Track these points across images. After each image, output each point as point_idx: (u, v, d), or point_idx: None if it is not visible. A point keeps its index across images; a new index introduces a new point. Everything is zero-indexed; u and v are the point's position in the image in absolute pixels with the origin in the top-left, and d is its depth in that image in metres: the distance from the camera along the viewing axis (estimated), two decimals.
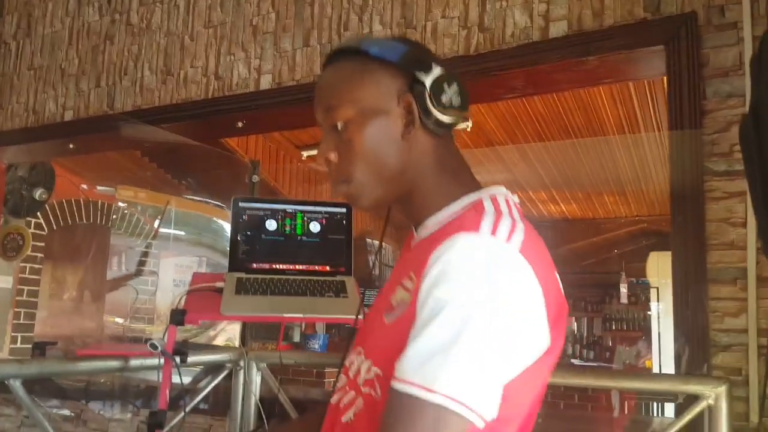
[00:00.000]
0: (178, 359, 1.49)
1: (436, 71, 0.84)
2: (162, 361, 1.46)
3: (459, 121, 0.86)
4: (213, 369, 1.95)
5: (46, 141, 3.14)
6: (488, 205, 0.79)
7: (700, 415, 1.41)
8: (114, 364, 1.61)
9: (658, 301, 5.76)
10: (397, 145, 0.84)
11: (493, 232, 0.73)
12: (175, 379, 1.50)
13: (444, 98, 0.83)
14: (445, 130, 0.86)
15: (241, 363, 1.85)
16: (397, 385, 0.70)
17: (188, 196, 4.71)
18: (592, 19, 1.89)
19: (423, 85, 0.83)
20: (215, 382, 1.87)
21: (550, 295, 0.75)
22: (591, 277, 6.23)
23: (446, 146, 0.88)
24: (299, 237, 1.66)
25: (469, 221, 0.75)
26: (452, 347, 0.68)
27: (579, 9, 1.91)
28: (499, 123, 3.51)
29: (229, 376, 1.96)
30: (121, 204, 4.93)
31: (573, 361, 6.34)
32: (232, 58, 2.54)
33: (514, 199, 0.85)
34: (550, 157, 4.12)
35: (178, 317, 1.46)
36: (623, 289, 6.02)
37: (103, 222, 4.90)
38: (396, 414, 0.69)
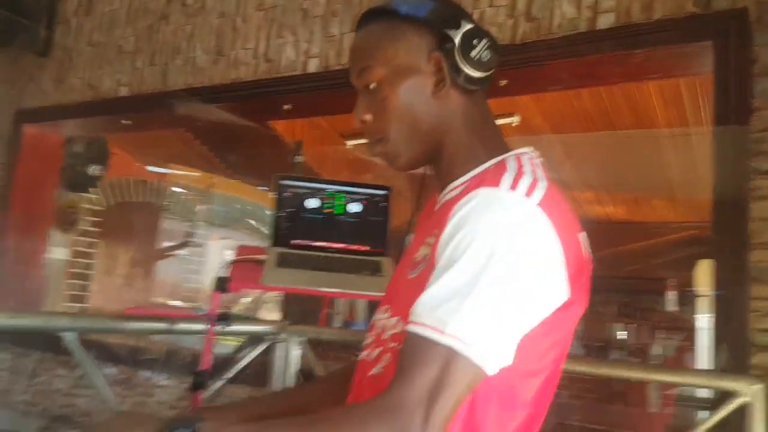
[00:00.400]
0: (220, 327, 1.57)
1: (466, 27, 0.84)
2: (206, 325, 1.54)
3: (490, 76, 0.87)
4: (254, 341, 2.03)
5: (102, 116, 3.28)
6: (511, 164, 0.81)
7: (735, 413, 1.40)
8: (161, 325, 1.68)
9: (706, 311, 5.56)
10: (430, 103, 0.86)
11: (513, 186, 0.76)
12: (218, 350, 1.58)
13: (473, 54, 0.84)
14: (477, 87, 0.87)
15: (282, 336, 1.92)
16: (412, 328, 0.73)
17: (236, 178, 4.80)
18: (640, 11, 1.87)
19: (452, 42, 0.84)
20: (255, 353, 1.94)
21: (570, 251, 0.77)
22: (637, 284, 6.05)
23: (478, 105, 0.89)
24: (339, 216, 1.71)
25: (491, 177, 0.78)
26: (467, 292, 0.71)
27: (628, 1, 1.89)
28: (545, 119, 3.48)
29: (270, 350, 2.03)
30: (176, 189, 5.06)
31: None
32: (282, 41, 2.60)
33: (540, 160, 0.87)
34: (598, 156, 4.05)
35: (221, 284, 1.54)
36: (671, 298, 5.86)
37: (156, 201, 5.05)
38: (409, 355, 0.72)
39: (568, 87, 2.16)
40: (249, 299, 4.91)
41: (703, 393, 1.97)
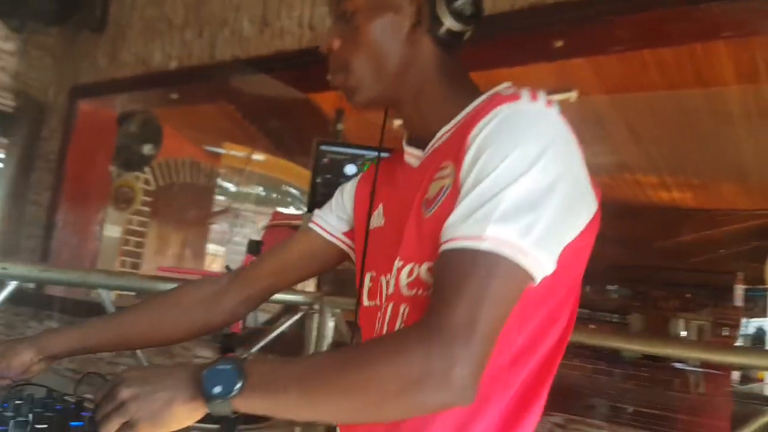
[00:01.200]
0: None
1: None
2: None
3: (468, 31, 0.84)
4: (289, 311, 1.98)
5: (152, 90, 3.31)
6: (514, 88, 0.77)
7: None
8: None
9: None
10: (401, 44, 0.83)
11: (534, 98, 0.72)
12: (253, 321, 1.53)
13: (456, 4, 0.80)
14: (452, 39, 0.83)
15: (316, 306, 1.86)
16: (445, 247, 0.67)
17: (277, 153, 4.80)
18: None
19: None
20: (289, 322, 1.90)
21: (584, 162, 0.75)
22: (701, 277, 5.73)
23: (454, 62, 0.86)
24: None
25: (506, 97, 0.73)
26: (502, 195, 0.65)
27: None
28: (606, 94, 3.29)
29: (305, 321, 1.98)
30: (220, 167, 5.10)
31: (675, 365, 5.89)
32: (327, 8, 2.52)
33: None
34: (664, 136, 3.83)
35: (254, 247, 1.51)
36: (737, 293, 5.54)
37: (205, 182, 5.10)
38: (445, 274, 0.66)
39: (630, 48, 2.00)
40: None
41: None
